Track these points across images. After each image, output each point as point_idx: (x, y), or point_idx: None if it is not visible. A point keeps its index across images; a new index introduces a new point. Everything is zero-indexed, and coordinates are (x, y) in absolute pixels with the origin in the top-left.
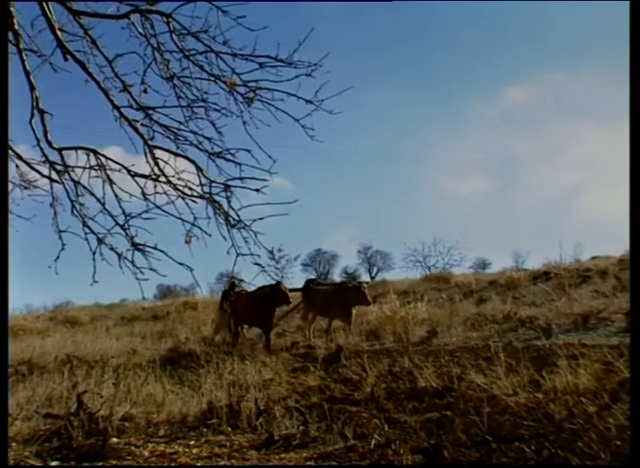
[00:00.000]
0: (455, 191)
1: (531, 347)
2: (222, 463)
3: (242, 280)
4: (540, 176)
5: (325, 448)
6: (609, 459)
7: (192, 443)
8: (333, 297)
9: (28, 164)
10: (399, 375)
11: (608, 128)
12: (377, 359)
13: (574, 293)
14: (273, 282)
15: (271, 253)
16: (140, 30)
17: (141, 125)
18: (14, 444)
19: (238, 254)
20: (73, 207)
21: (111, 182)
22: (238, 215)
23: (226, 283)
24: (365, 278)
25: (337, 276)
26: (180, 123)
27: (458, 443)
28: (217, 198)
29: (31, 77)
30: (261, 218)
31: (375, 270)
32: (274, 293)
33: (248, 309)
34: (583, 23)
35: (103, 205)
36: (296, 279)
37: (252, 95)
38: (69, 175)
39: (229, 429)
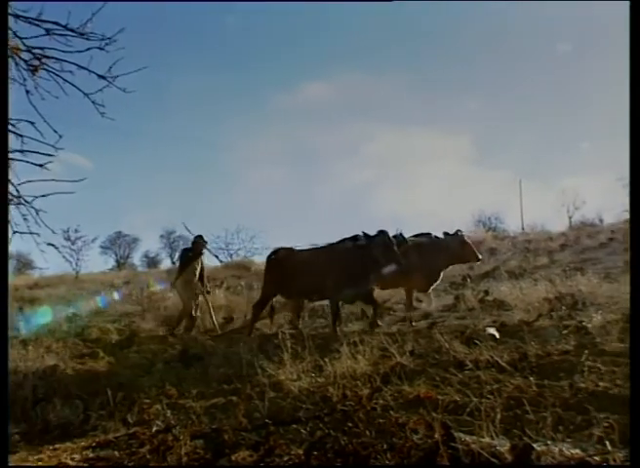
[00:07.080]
0: (258, 181)
1: (318, 335)
2: None
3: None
4: (336, 172)
5: (105, 436)
6: (373, 436)
7: None
8: (418, 257)
9: None
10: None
11: (399, 130)
12: (170, 345)
13: None
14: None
15: (58, 231)
16: None
17: None
18: None
19: (15, 232)
20: None
21: None
22: (18, 191)
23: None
24: (166, 263)
25: (137, 260)
26: None
27: (239, 427)
28: None
29: None
30: (44, 195)
31: (176, 255)
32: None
33: (313, 273)
34: (387, 26)
35: None
36: (93, 262)
37: (37, 62)
38: None
39: None
